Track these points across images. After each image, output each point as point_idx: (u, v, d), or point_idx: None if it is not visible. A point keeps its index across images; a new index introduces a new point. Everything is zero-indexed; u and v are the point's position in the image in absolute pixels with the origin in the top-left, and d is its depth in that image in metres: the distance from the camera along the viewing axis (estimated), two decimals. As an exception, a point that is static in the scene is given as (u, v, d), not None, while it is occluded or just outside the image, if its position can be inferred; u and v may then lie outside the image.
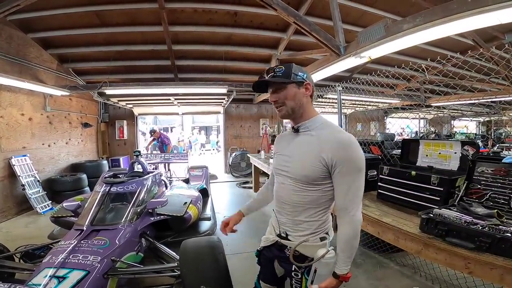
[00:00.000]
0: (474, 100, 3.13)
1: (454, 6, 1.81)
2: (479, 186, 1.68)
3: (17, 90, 4.51)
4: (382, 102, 6.26)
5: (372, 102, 6.28)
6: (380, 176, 2.17)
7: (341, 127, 3.71)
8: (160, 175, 3.63)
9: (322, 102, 6.10)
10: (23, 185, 4.46)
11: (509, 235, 1.20)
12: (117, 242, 2.10)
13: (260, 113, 8.33)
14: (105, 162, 6.31)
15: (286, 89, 1.09)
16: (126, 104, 6.90)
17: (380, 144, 2.83)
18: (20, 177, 4.45)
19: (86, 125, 6.40)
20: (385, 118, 8.99)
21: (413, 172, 1.94)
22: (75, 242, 1.96)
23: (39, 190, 4.73)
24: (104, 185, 2.74)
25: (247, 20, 4.60)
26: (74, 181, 5.14)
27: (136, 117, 7.64)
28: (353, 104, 6.69)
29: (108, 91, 5.06)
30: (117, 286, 1.91)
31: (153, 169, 6.05)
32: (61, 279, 1.61)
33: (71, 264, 1.73)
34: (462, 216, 1.40)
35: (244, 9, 4.27)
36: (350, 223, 1.04)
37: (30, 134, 4.88)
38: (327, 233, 1.15)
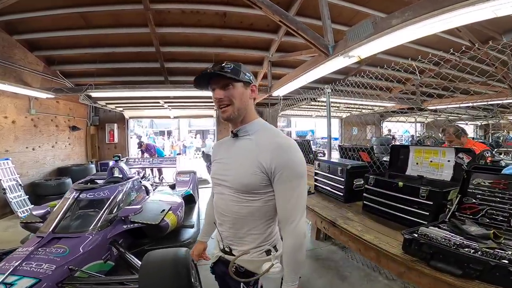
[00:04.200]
0: (469, 103, 2.96)
1: (444, -2, 1.65)
2: (474, 201, 1.48)
3: (0, 93, 4.38)
4: (377, 106, 6.09)
5: (367, 105, 6.11)
6: (366, 186, 1.98)
7: (329, 131, 3.53)
8: (140, 181, 3.47)
9: (315, 105, 5.93)
10: (4, 189, 4.31)
11: (506, 261, 1.01)
12: (80, 250, 2.06)
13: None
14: (92, 166, 6.17)
15: (234, 88, 1.01)
16: (116, 107, 6.76)
17: (370, 150, 2.64)
18: (1, 181, 4.30)
19: (74, 128, 6.26)
20: (382, 122, 8.78)
21: (401, 183, 1.75)
22: (32, 249, 1.92)
23: (21, 194, 4.58)
24: (75, 191, 2.62)
25: (237, 21, 4.46)
26: (58, 185, 4.98)
27: (127, 120, 7.50)
28: (347, 107, 6.50)
29: (94, 94, 4.92)
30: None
31: (143, 174, 5.95)
32: (8, 286, 1.57)
33: (22, 272, 1.70)
34: (451, 236, 1.21)
35: (233, 10, 4.12)
36: (292, 235, 0.97)
37: (14, 137, 4.74)
38: (274, 247, 1.07)
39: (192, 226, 3.30)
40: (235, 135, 1.08)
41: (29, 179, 5.02)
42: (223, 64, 1.00)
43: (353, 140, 7.12)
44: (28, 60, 4.84)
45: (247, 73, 1.04)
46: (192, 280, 1.95)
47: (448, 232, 1.27)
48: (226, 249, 1.10)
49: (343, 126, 8.33)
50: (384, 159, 2.72)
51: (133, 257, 2.28)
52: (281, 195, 0.98)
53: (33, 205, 4.65)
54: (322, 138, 15.70)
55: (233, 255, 1.08)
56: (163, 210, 2.80)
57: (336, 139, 9.76)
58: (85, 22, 4.27)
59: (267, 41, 4.98)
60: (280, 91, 4.71)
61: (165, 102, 6.33)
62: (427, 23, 1.82)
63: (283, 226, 0.99)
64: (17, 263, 1.72)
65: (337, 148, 3.76)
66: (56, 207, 2.54)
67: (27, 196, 4.67)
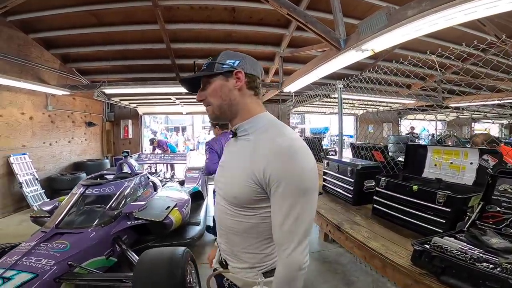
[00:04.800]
0: (495, 100, 2.72)
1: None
2: (499, 209, 1.32)
3: (18, 90, 4.53)
4: (394, 103, 5.80)
5: (383, 102, 5.84)
6: (376, 188, 1.85)
7: (341, 128, 3.37)
8: (147, 177, 3.48)
9: (329, 102, 5.73)
10: (20, 183, 4.47)
11: (532, 282, 0.87)
12: (81, 246, 2.06)
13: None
14: (106, 161, 6.31)
15: (211, 84, 0.87)
16: (130, 103, 6.88)
17: (384, 149, 2.48)
18: (18, 175, 4.46)
19: (90, 124, 6.42)
20: (399, 120, 8.38)
21: (415, 187, 1.60)
22: (34, 244, 1.94)
23: (37, 189, 4.74)
24: (82, 187, 2.65)
25: (246, 16, 4.36)
26: (73, 179, 5.10)
27: (141, 117, 7.64)
28: (361, 104, 6.25)
29: (108, 91, 5.00)
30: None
31: (154, 169, 6.02)
32: (6, 280, 1.59)
33: (21, 266, 1.72)
34: (468, 248, 1.08)
35: (242, 5, 4.03)
36: (283, 264, 0.77)
37: (31, 132, 4.91)
38: (272, 270, 0.88)
39: (198, 224, 3.25)
40: (235, 134, 0.91)
41: (46, 174, 5.19)
42: (203, 63, 0.91)
43: (369, 138, 6.86)
44: (45, 58, 4.98)
45: (227, 61, 0.86)
46: (191, 279, 1.91)
47: (465, 244, 1.13)
48: (223, 262, 0.98)
49: (359, 123, 8.03)
50: (400, 159, 2.56)
51: (133, 254, 2.27)
52: (275, 214, 0.78)
53: (48, 199, 4.83)
54: (337, 135, 15.34)
55: (228, 270, 0.96)
56: (168, 207, 2.78)
57: (351, 136, 9.46)
58: (96, 19, 4.32)
59: (278, 36, 4.85)
60: (291, 87, 4.59)
61: (177, 99, 6.35)
62: (446, 13, 1.65)
63: (277, 251, 0.81)
64: (17, 258, 1.74)
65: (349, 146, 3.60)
66: (63, 202, 2.58)
67: (43, 190, 4.83)
